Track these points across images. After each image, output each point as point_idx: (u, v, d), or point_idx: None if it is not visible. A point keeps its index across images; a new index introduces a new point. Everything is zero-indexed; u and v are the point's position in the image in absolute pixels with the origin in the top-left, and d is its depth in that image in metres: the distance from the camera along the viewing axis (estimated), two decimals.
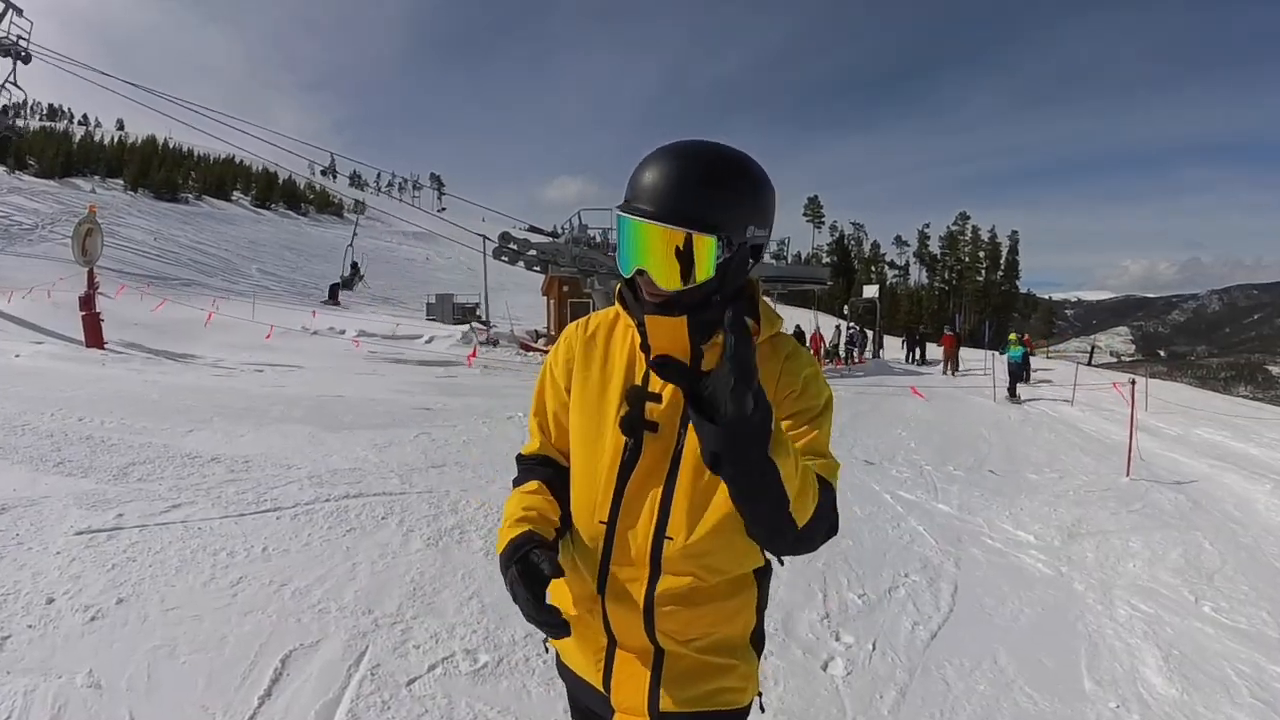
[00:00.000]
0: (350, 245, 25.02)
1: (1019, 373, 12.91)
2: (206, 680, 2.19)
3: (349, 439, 5.69)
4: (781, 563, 1.12)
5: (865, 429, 8.30)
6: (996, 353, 15.83)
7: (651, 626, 1.02)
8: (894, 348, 24.68)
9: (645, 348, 1.03)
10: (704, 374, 0.88)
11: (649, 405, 1.01)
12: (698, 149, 0.95)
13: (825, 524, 0.96)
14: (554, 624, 0.92)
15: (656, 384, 1.02)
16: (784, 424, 1.01)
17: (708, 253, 0.92)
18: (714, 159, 0.95)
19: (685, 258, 0.92)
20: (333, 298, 22.65)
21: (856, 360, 20.68)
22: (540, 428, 1.17)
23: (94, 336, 12.12)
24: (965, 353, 20.60)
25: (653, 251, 0.93)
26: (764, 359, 1.04)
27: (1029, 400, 12.74)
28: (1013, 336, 14.55)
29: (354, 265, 22.52)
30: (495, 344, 17.47)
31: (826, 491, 0.96)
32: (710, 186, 0.92)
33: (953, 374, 17.95)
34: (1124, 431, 7.34)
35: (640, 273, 0.96)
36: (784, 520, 0.89)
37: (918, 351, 22.16)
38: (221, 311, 16.53)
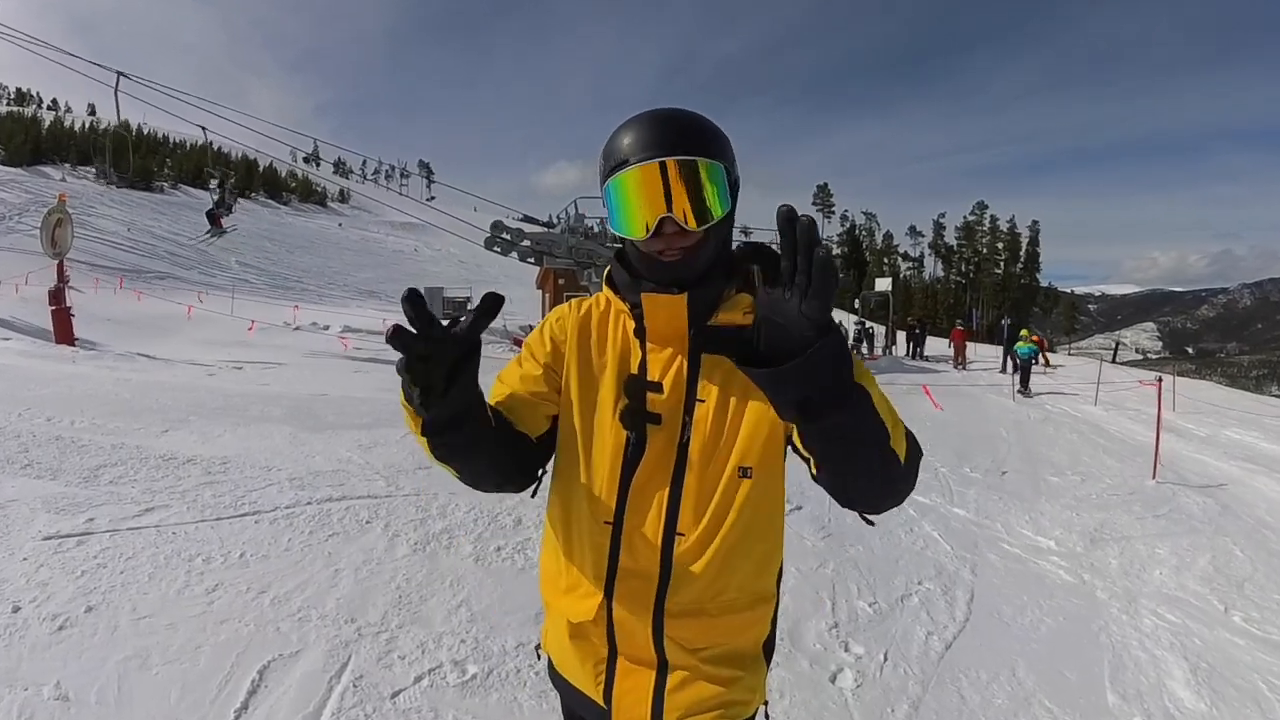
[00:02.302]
0: (211, 170, 25.58)
1: (1028, 367, 13.42)
2: (180, 692, 2.18)
3: (332, 439, 5.68)
4: (871, 523, 1.00)
5: None
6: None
7: (660, 633, 1.00)
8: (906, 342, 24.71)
9: (640, 332, 1.01)
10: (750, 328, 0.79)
11: (650, 396, 0.99)
12: (659, 109, 0.97)
13: (917, 450, 0.88)
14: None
15: (655, 373, 1.00)
16: None
17: (720, 181, 0.92)
18: (678, 110, 0.96)
19: (700, 191, 0.90)
20: (214, 224, 22.67)
21: (867, 357, 20.72)
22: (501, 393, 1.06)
23: (64, 332, 12.14)
24: (982, 349, 20.72)
25: (672, 191, 0.90)
26: None
27: (1048, 393, 12.77)
28: (1024, 333, 15.09)
29: (220, 183, 22.64)
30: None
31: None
32: (693, 122, 0.94)
33: (961, 369, 18.46)
34: (1150, 432, 7.34)
35: (657, 232, 0.92)
36: (890, 459, 0.80)
37: (914, 346, 22.20)
38: (199, 306, 16.52)
